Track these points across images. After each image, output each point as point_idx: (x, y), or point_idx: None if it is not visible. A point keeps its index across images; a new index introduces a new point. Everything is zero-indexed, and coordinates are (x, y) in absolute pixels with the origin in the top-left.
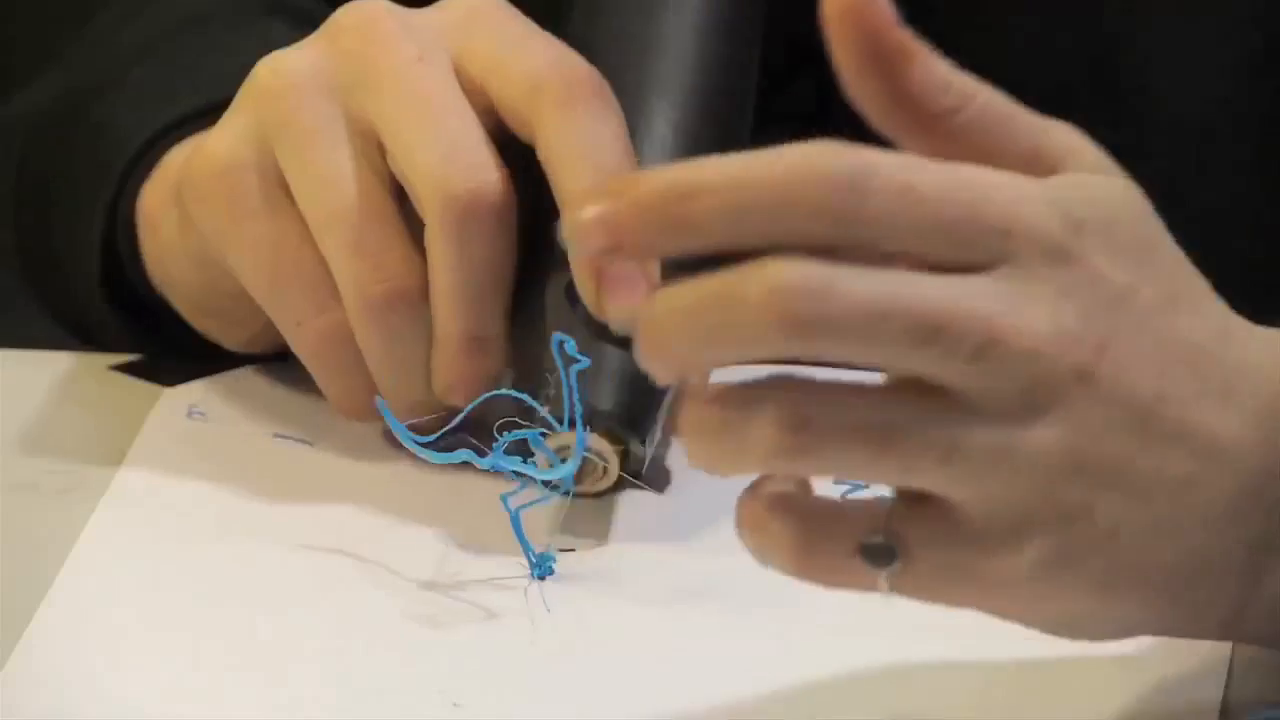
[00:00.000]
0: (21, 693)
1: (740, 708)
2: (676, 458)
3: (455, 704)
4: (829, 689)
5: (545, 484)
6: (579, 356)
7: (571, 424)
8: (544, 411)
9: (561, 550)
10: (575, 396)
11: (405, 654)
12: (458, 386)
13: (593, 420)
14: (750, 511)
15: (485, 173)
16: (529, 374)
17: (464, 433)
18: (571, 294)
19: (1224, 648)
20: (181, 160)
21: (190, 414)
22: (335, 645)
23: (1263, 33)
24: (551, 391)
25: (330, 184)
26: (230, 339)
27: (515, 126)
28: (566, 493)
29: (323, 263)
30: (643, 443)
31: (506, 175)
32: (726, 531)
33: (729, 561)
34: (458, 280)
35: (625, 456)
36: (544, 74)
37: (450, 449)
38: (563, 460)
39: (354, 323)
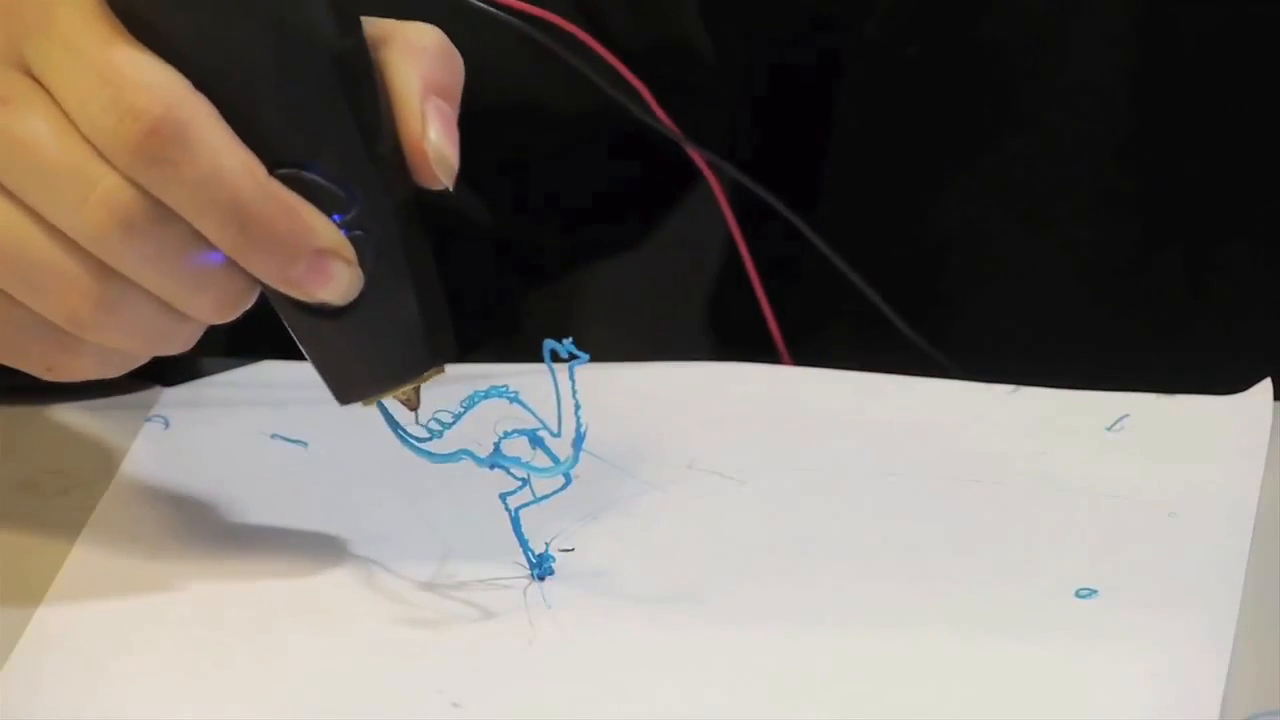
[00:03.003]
0: (21, 693)
1: (739, 708)
2: (675, 457)
3: (455, 704)
4: (828, 688)
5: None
6: (579, 353)
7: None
8: (534, 412)
9: (561, 550)
10: (575, 395)
11: (405, 655)
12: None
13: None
14: None
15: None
16: None
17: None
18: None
19: (1224, 648)
20: None
21: (189, 414)
22: (335, 645)
23: (1142, 47)
24: None
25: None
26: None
27: None
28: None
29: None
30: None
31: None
32: (726, 531)
33: (728, 562)
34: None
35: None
36: None
37: (449, 449)
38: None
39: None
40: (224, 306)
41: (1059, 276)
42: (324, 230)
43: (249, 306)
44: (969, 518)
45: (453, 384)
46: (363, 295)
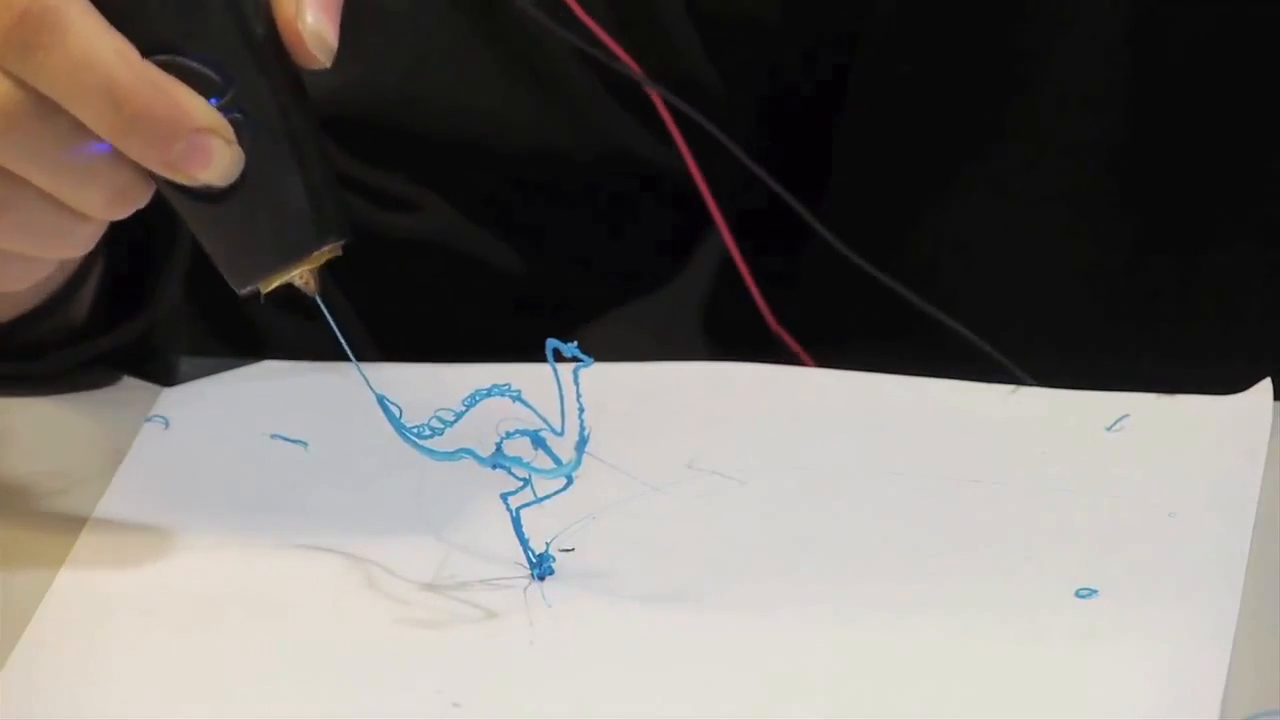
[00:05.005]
0: (21, 693)
1: (739, 707)
2: (675, 457)
3: (455, 704)
4: (828, 687)
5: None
6: (582, 356)
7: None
8: (536, 411)
9: (561, 550)
10: (577, 396)
11: (405, 654)
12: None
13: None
14: None
15: None
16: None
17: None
18: None
19: (1224, 648)
20: None
21: (189, 414)
22: (335, 645)
23: (1132, 54)
24: None
25: None
26: None
27: None
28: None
29: None
30: None
31: None
32: (726, 531)
33: (728, 562)
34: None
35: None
36: None
37: (451, 448)
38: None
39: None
40: (115, 201)
41: (1055, 282)
42: (200, 110)
43: (143, 203)
44: (969, 518)
45: (455, 382)
46: (245, 176)
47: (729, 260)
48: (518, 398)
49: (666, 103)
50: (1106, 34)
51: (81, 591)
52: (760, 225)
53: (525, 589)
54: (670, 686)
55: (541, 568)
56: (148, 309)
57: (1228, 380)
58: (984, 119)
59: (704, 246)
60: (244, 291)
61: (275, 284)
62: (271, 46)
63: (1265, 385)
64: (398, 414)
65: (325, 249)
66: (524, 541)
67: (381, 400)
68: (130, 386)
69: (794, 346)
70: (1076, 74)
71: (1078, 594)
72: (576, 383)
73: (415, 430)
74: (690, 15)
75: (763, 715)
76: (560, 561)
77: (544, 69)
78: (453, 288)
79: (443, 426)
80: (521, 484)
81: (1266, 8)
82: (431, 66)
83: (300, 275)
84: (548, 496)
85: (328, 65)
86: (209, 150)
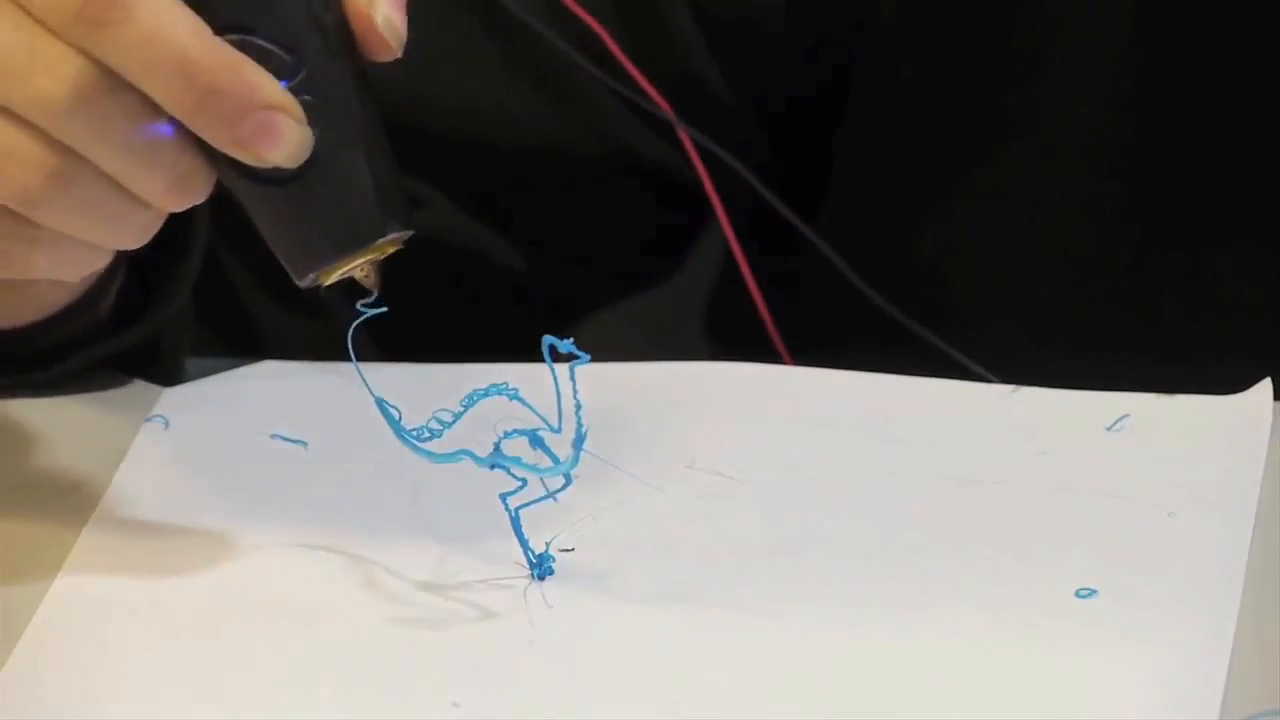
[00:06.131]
0: (21, 693)
1: (739, 707)
2: (675, 457)
3: (455, 704)
4: (828, 687)
5: (545, 483)
6: (578, 353)
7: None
8: (534, 409)
9: (561, 550)
10: (574, 393)
11: (405, 654)
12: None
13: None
14: None
15: None
16: None
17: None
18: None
19: (1224, 648)
20: None
21: (189, 414)
22: (335, 645)
23: (1135, 55)
24: None
25: None
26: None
27: None
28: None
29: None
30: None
31: None
32: (725, 531)
33: (728, 562)
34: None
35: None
36: None
37: (450, 449)
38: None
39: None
40: (175, 187)
41: (1057, 283)
42: (271, 88)
43: (202, 197)
44: (969, 518)
45: (453, 383)
46: (313, 160)
47: (729, 260)
48: (515, 396)
49: (669, 105)
50: (1110, 35)
51: (81, 591)
52: (760, 226)
53: (525, 589)
54: (670, 686)
55: (541, 568)
56: (157, 312)
57: (1228, 380)
58: (986, 121)
59: (704, 246)
60: (304, 282)
61: (336, 275)
62: (340, 34)
63: (1265, 385)
64: (397, 417)
65: (389, 238)
66: (524, 541)
67: (381, 404)
68: (130, 386)
69: (783, 351)
70: (1079, 75)
71: (1078, 594)
72: (572, 379)
73: (414, 433)
74: (693, 16)
75: (762, 715)
76: (560, 561)
77: (547, 67)
78: (455, 285)
79: (441, 428)
80: (520, 484)
81: (1269, 9)
82: (435, 64)
83: (361, 267)
84: (547, 496)
85: (399, 54)
86: (278, 129)
